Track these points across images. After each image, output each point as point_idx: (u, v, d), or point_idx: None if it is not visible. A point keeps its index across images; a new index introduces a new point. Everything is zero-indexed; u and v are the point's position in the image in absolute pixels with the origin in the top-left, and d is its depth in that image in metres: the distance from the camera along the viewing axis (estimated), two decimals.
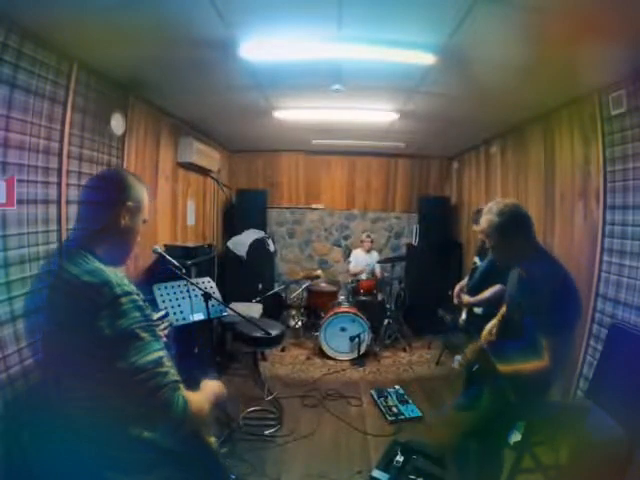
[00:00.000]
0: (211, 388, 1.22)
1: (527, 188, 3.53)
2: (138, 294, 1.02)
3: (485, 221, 1.60)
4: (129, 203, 1.12)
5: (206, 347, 2.90)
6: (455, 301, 3.13)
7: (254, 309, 3.74)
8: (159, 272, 2.63)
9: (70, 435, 1.01)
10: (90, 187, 1.20)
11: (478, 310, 2.96)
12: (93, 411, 0.99)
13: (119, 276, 1.02)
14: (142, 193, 1.17)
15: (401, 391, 3.31)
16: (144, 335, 0.98)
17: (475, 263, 3.17)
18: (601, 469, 1.61)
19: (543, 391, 1.54)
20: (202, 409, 1.08)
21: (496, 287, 2.87)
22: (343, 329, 4.06)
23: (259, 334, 2.52)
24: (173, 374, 1.01)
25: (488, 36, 1.93)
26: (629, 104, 2.25)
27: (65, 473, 1.03)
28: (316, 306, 4.74)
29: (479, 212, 3.18)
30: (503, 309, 1.74)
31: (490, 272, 2.93)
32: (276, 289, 4.66)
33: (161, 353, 1.00)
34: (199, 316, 2.37)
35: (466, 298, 2.98)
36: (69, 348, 0.99)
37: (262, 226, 5.23)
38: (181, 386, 1.01)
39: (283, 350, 4.24)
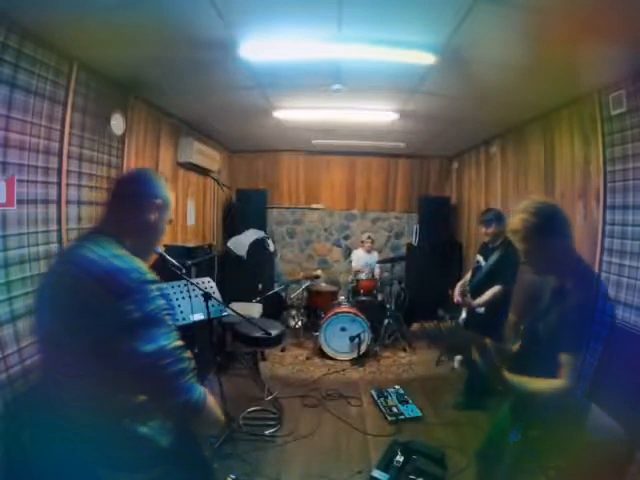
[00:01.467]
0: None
1: (527, 188, 3.53)
2: (161, 284, 1.05)
3: (519, 221, 1.35)
4: (159, 201, 1.17)
5: (206, 347, 2.90)
6: (456, 300, 3.14)
7: (254, 309, 3.74)
8: (159, 272, 2.63)
9: (69, 435, 1.01)
10: (123, 183, 1.23)
11: (480, 310, 2.96)
12: (93, 409, 0.99)
13: (144, 265, 1.05)
14: (169, 193, 1.22)
15: (401, 391, 3.30)
16: (169, 322, 1.01)
17: (478, 262, 3.17)
18: (601, 469, 1.60)
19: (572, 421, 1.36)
20: (215, 409, 1.09)
21: (496, 288, 2.88)
22: (343, 329, 4.06)
23: (259, 334, 2.52)
24: (193, 363, 1.03)
25: (488, 36, 1.93)
26: (629, 104, 2.25)
27: (65, 473, 1.03)
28: (316, 306, 4.74)
29: (487, 213, 3.18)
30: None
31: (493, 273, 2.93)
32: (276, 289, 4.66)
33: (181, 342, 1.02)
34: (199, 316, 2.37)
35: (468, 300, 3.00)
36: (87, 325, 0.96)
37: (262, 226, 5.22)
38: None
39: (283, 350, 4.23)
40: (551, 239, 1.33)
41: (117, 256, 1.01)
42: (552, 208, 1.37)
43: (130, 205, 1.15)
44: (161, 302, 1.00)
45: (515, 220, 1.38)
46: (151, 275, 1.02)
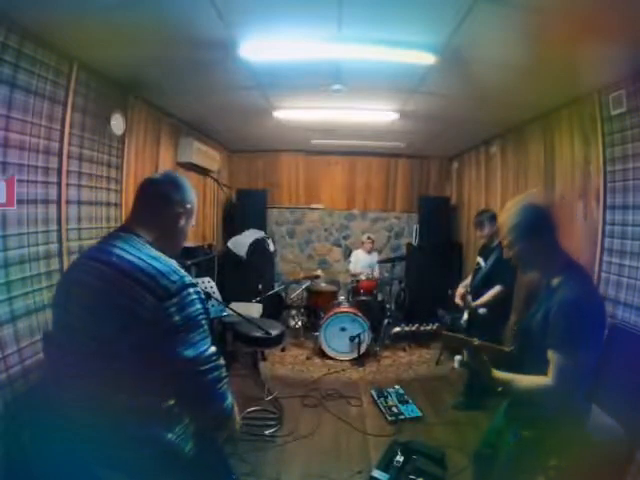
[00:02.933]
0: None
1: (527, 188, 3.52)
2: (198, 287, 1.04)
3: (502, 219, 1.43)
4: (189, 205, 1.18)
5: None
6: (458, 302, 3.14)
7: (254, 309, 3.73)
8: None
9: (70, 435, 1.01)
10: (155, 185, 1.20)
11: (482, 310, 2.95)
12: (103, 410, 0.97)
13: (180, 267, 1.04)
14: (195, 198, 1.23)
15: (401, 391, 3.30)
16: (206, 327, 1.01)
17: (478, 264, 3.17)
18: (601, 469, 1.60)
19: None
20: (237, 415, 1.11)
21: (496, 288, 2.87)
22: (343, 329, 4.06)
23: (259, 334, 2.52)
24: (226, 370, 1.03)
25: (488, 36, 1.93)
26: (629, 104, 2.25)
27: (65, 473, 1.02)
28: (316, 306, 4.73)
29: (479, 215, 3.19)
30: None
31: (493, 273, 2.93)
32: (276, 289, 4.66)
33: (215, 348, 1.02)
34: None
35: (469, 301, 2.99)
36: (124, 326, 0.94)
37: (262, 226, 5.23)
38: None
39: (283, 350, 4.23)
40: (531, 239, 1.37)
41: (154, 257, 1.01)
42: (533, 207, 1.39)
43: (163, 208, 1.14)
44: (199, 306, 1.00)
45: (500, 218, 1.45)
46: (189, 278, 1.01)
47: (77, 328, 1.00)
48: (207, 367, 0.96)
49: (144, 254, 1.01)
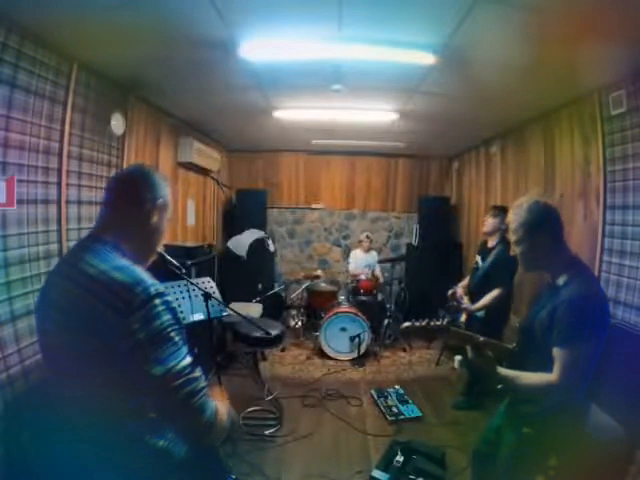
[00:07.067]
0: (222, 397, 1.17)
1: (527, 188, 3.53)
2: (169, 294, 0.99)
3: (512, 216, 1.43)
4: (160, 201, 1.10)
5: (206, 347, 2.90)
6: (453, 302, 3.12)
7: (254, 309, 3.74)
8: (159, 272, 2.62)
9: (69, 435, 1.01)
10: (122, 183, 1.13)
11: (479, 313, 2.95)
12: (101, 416, 0.96)
13: (148, 275, 0.98)
14: (168, 191, 1.15)
15: (401, 391, 3.31)
16: (177, 339, 0.95)
17: (477, 263, 3.16)
18: (601, 469, 1.60)
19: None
20: (224, 419, 1.08)
21: (495, 292, 2.84)
22: (343, 329, 4.07)
23: (259, 334, 2.52)
24: (203, 379, 0.99)
25: (488, 36, 1.93)
26: (629, 104, 2.25)
27: (64, 473, 1.02)
28: (316, 306, 4.74)
29: (499, 206, 3.19)
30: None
31: (491, 274, 2.92)
32: (276, 289, 4.66)
33: (191, 358, 0.97)
34: (199, 316, 2.37)
35: (466, 305, 2.97)
36: (89, 347, 0.91)
37: (262, 226, 5.22)
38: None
39: (283, 350, 4.24)
40: (540, 236, 1.38)
41: (118, 268, 0.95)
42: (542, 205, 1.40)
43: (132, 207, 1.07)
44: (167, 317, 0.94)
45: (509, 216, 1.45)
46: (155, 287, 0.95)
47: (56, 343, 0.98)
48: (178, 382, 0.92)
49: (108, 265, 0.95)
